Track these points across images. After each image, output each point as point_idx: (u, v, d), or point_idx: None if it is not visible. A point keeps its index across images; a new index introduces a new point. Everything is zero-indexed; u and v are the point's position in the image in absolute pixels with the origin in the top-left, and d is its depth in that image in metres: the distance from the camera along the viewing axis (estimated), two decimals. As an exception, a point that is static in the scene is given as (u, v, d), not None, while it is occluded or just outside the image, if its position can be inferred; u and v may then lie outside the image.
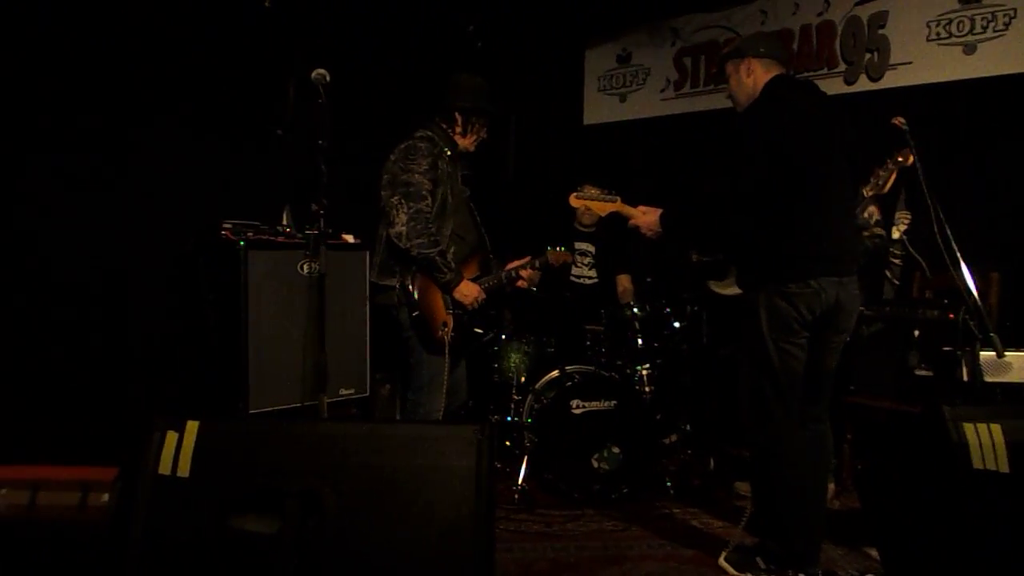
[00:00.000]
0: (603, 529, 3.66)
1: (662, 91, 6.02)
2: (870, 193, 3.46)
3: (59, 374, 3.87)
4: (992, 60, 4.48)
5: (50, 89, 3.92)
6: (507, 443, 4.41)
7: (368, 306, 4.39)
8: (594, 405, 4.07)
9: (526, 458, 4.04)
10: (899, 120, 3.23)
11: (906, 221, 3.94)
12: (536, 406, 4.18)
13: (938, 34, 4.68)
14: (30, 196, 3.85)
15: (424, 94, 3.70)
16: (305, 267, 4.22)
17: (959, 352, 3.53)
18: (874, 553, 3.18)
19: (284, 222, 4.47)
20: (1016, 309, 4.06)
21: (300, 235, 4.33)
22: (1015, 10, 4.40)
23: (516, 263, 3.85)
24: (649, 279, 5.00)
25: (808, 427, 3.03)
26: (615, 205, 3.38)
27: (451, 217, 3.57)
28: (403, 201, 3.39)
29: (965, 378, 3.46)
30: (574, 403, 4.06)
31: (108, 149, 4.11)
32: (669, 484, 4.13)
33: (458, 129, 3.64)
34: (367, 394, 4.58)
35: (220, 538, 1.92)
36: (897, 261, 4.17)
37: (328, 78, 3.12)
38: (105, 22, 4.09)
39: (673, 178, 5.69)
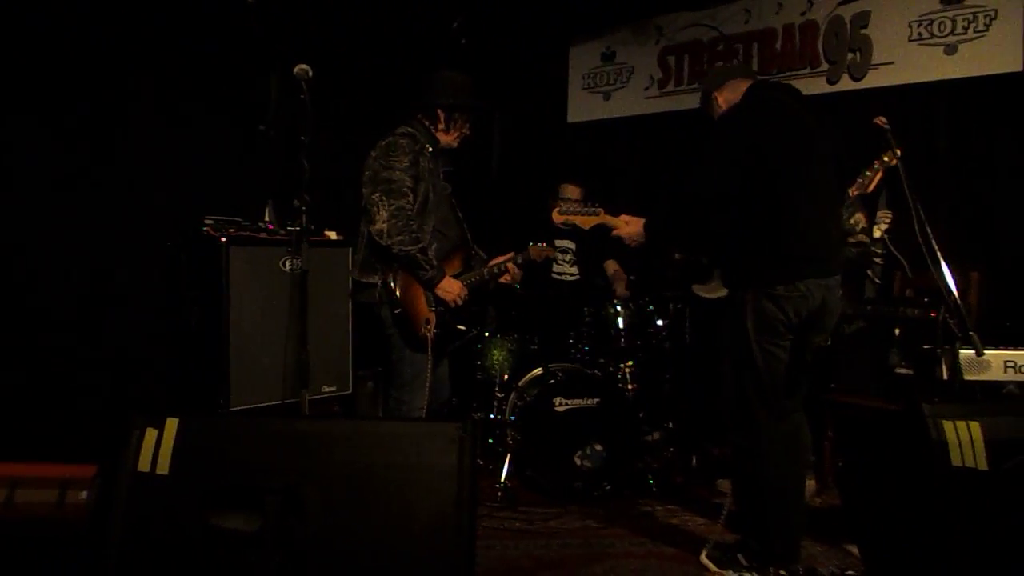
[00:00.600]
0: (586, 526, 3.66)
1: (646, 89, 6.02)
2: (855, 193, 3.48)
3: (38, 370, 3.83)
4: (973, 61, 4.51)
5: (29, 84, 3.88)
6: (490, 441, 4.41)
7: (351, 303, 4.38)
8: (577, 403, 4.07)
9: (509, 456, 4.04)
10: (881, 120, 3.24)
11: (887, 220, 3.96)
12: (519, 404, 4.18)
13: (920, 34, 4.71)
14: (8, 192, 3.81)
15: (408, 91, 3.68)
16: (287, 263, 4.20)
17: (939, 350, 3.55)
18: (854, 550, 3.20)
19: (266, 218, 4.45)
20: (995, 308, 4.09)
21: (282, 231, 4.32)
22: (996, 11, 4.43)
23: (499, 259, 3.83)
24: (632, 277, 5.02)
25: (786, 418, 3.04)
26: (598, 218, 3.41)
27: (433, 214, 3.54)
28: (384, 198, 3.36)
29: (945, 376, 3.48)
30: (557, 401, 4.06)
31: (89, 145, 4.07)
32: (652, 482, 4.14)
33: (440, 126, 3.61)
34: (349, 391, 4.57)
35: (200, 536, 1.91)
36: (878, 260, 4.19)
37: (311, 74, 3.11)
38: (88, 18, 4.05)
39: (657, 176, 5.71)
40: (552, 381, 4.11)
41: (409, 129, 3.54)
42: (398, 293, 3.46)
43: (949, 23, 4.59)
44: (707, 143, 3.05)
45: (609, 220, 3.39)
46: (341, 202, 3.97)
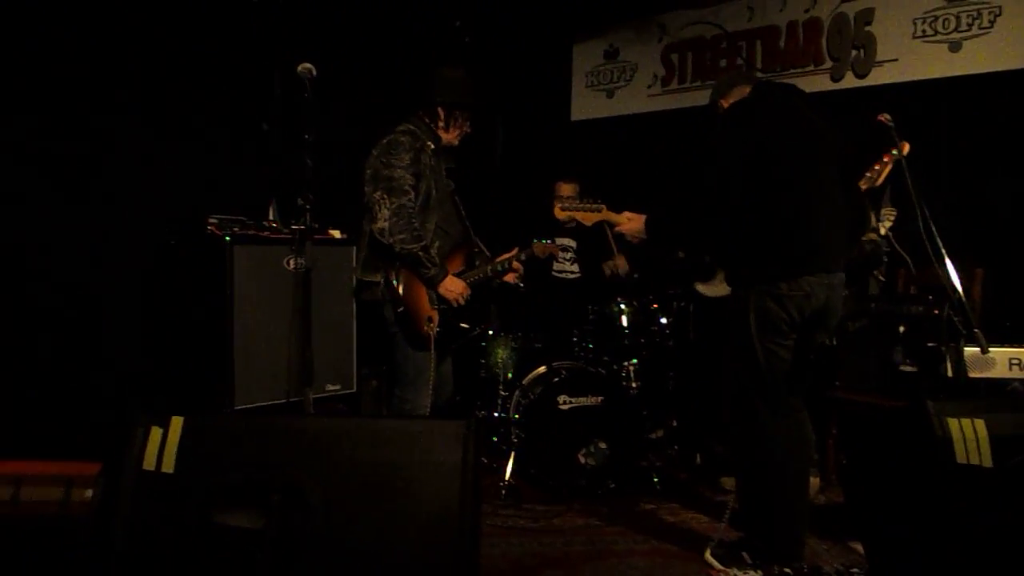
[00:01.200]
0: (589, 524, 3.66)
1: (649, 87, 6.02)
2: (865, 187, 3.48)
3: (42, 369, 3.84)
4: (977, 57, 4.51)
5: (32, 82, 3.89)
6: (494, 439, 4.41)
7: (355, 302, 4.38)
8: (581, 401, 4.07)
9: (513, 453, 4.04)
10: (885, 117, 3.25)
11: (891, 217, 3.95)
12: (523, 402, 4.18)
13: (924, 31, 4.70)
14: (12, 191, 3.82)
15: (410, 89, 3.68)
16: (291, 262, 4.21)
17: (943, 348, 3.55)
18: (859, 547, 3.20)
19: (270, 217, 4.46)
20: (1000, 305, 4.09)
21: (286, 230, 4.32)
22: (1000, 7, 4.42)
23: (503, 257, 3.82)
24: (636, 275, 5.01)
25: (789, 416, 3.04)
26: (600, 214, 3.41)
27: (435, 211, 3.53)
28: (385, 196, 3.35)
29: (949, 373, 3.48)
30: (561, 399, 4.06)
31: (92, 144, 4.08)
32: (655, 480, 4.14)
33: (440, 123, 3.61)
34: (353, 390, 4.58)
35: (204, 534, 1.91)
36: (884, 258, 4.19)
37: (314, 72, 3.11)
38: (92, 16, 4.06)
39: (660, 174, 5.71)
40: (556, 379, 4.11)
41: (410, 127, 3.53)
42: (400, 291, 3.46)
43: (953, 20, 4.59)
44: (710, 141, 3.05)
45: (611, 216, 3.39)
46: (345, 200, 3.97)
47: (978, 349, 3.13)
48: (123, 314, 4.18)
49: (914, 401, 2.49)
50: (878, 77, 4.89)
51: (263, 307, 4.10)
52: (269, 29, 4.73)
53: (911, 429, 2.47)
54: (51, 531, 2.21)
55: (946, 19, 4.62)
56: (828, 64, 5.10)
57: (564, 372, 4.17)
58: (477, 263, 3.76)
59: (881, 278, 4.26)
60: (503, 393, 4.41)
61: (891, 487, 2.67)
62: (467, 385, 4.63)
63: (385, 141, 3.46)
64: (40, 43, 3.90)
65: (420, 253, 3.39)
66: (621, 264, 4.98)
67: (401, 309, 3.47)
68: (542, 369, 4.27)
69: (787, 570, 2.97)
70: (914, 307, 3.83)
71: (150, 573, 1.92)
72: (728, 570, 3.08)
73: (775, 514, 3.01)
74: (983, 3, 4.48)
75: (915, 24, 4.73)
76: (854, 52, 4.98)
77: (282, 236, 4.28)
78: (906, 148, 3.29)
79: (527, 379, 4.29)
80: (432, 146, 3.55)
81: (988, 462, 2.30)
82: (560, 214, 3.54)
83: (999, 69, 4.42)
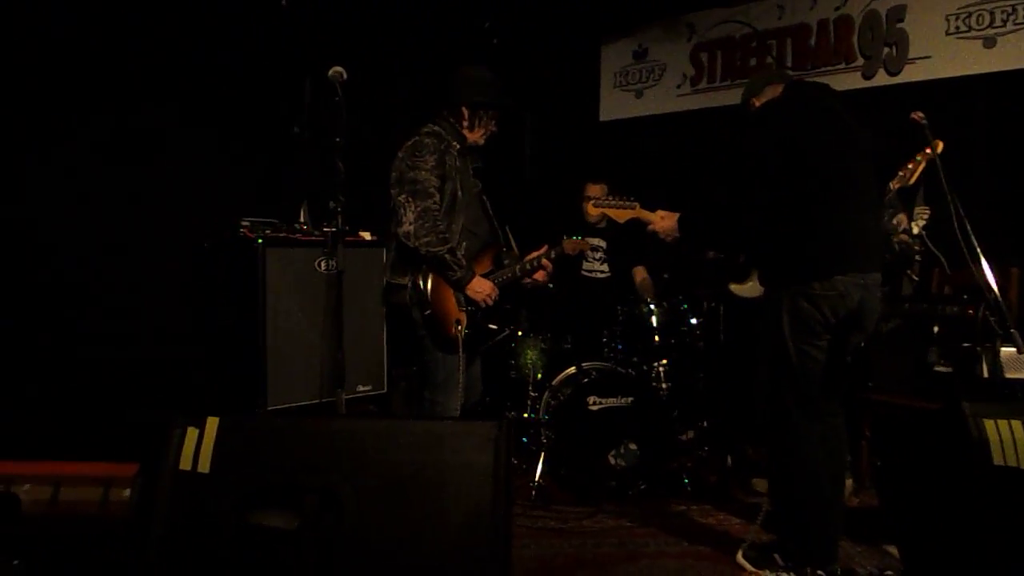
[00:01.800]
0: (620, 526, 3.66)
1: (678, 87, 6.00)
2: (896, 186, 3.44)
3: (80, 371, 3.91)
4: (1012, 53, 4.44)
5: (70, 87, 3.96)
6: (524, 440, 4.42)
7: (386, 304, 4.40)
8: (611, 402, 4.07)
9: (543, 455, 4.04)
10: (918, 115, 3.21)
11: (925, 216, 3.91)
12: (553, 403, 4.18)
13: (957, 28, 4.64)
14: (52, 196, 3.89)
15: (440, 91, 3.68)
16: (323, 264, 4.25)
17: (979, 348, 3.50)
18: (893, 550, 3.17)
19: (302, 219, 4.50)
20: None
21: (318, 232, 4.36)
22: (1035, 3, 4.36)
23: (532, 255, 3.78)
24: (666, 275, 5.00)
25: (824, 421, 3.02)
26: (633, 212, 3.40)
27: (462, 212, 3.51)
28: (410, 200, 3.33)
29: (985, 374, 3.43)
30: (591, 399, 4.05)
31: (127, 148, 4.14)
32: (686, 481, 4.12)
33: (465, 123, 3.58)
34: (384, 391, 4.61)
35: (240, 534, 1.94)
36: (916, 257, 4.14)
37: (345, 76, 3.14)
38: (128, 23, 4.12)
39: (690, 174, 5.68)
40: (585, 380, 4.11)
41: (435, 128, 3.51)
42: (428, 294, 3.44)
43: (987, 16, 4.53)
44: (743, 140, 3.04)
45: (644, 215, 3.39)
46: (376, 202, 4.00)
47: (1014, 349, 3.09)
48: (158, 316, 4.24)
49: (949, 402, 2.46)
50: (911, 74, 4.84)
51: (295, 309, 4.14)
52: (300, 34, 4.77)
53: (946, 431, 2.45)
54: (90, 531, 2.25)
55: (980, 15, 4.56)
56: (860, 62, 5.05)
57: (594, 373, 4.17)
58: (506, 263, 3.74)
59: (915, 278, 4.21)
60: (533, 394, 4.41)
61: (926, 489, 2.64)
62: (497, 386, 4.64)
63: (410, 143, 3.44)
64: (80, 52, 3.96)
65: (446, 256, 3.37)
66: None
67: (429, 312, 3.45)
68: (571, 370, 4.27)
69: (820, 573, 2.94)
70: (949, 307, 3.79)
71: (186, 572, 1.95)
72: (760, 572, 3.06)
73: (808, 517, 2.98)
74: (1018, -1, 4.42)
75: (948, 20, 4.67)
76: (886, 49, 4.93)
77: (314, 238, 4.31)
78: (940, 147, 3.25)
79: (556, 380, 4.29)
80: (458, 146, 3.52)
81: (1026, 464, 2.27)
82: (593, 211, 3.55)
83: (1035, 65, 4.36)
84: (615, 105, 6.39)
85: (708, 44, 5.83)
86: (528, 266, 3.73)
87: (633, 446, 4.02)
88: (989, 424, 2.30)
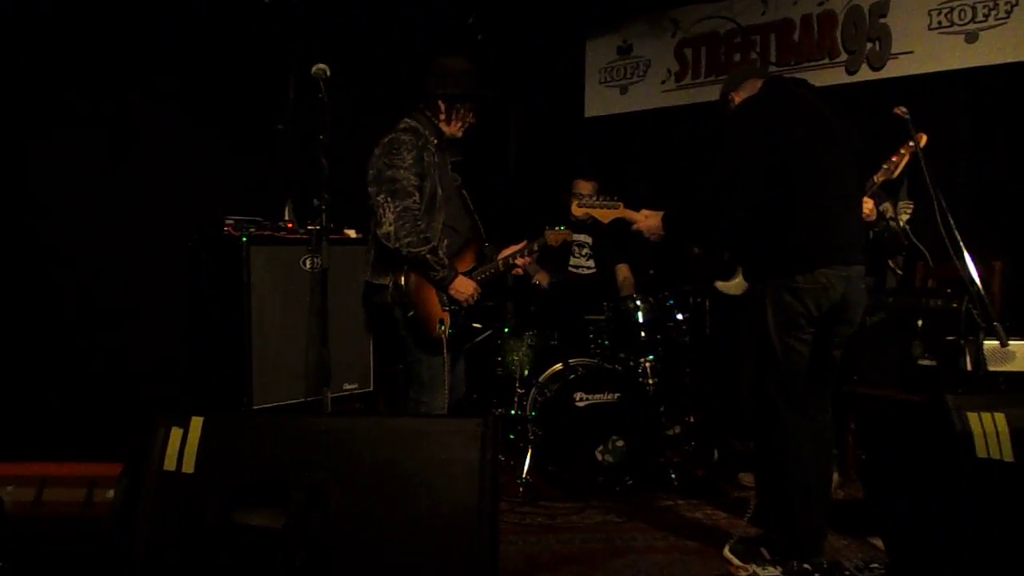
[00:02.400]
0: (607, 521, 3.66)
1: (663, 82, 6.01)
2: (881, 179, 3.46)
3: (63, 371, 3.88)
4: (994, 49, 4.47)
5: (49, 84, 3.92)
6: (511, 436, 4.42)
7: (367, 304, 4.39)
8: (597, 398, 4.07)
9: (530, 451, 4.04)
10: (901, 110, 3.22)
11: (909, 210, 3.93)
12: (539, 399, 4.18)
13: (940, 23, 4.67)
14: (32, 194, 3.87)
15: (416, 83, 3.61)
16: (307, 262, 4.23)
17: (962, 341, 3.53)
18: (878, 543, 3.18)
19: (286, 217, 4.48)
20: (1019, 298, 4.05)
21: (302, 230, 4.34)
22: (1016, -2, 4.39)
23: (512, 248, 3.71)
24: (651, 271, 5.01)
25: (811, 418, 3.03)
26: (618, 211, 3.41)
27: (442, 209, 3.42)
28: (389, 199, 3.25)
29: (968, 367, 3.46)
30: (577, 396, 4.06)
31: (109, 146, 4.12)
32: (673, 476, 4.13)
33: (442, 116, 3.47)
34: (371, 389, 4.60)
35: (225, 533, 1.93)
36: (905, 241, 4.16)
37: (328, 73, 3.12)
38: (109, 18, 4.09)
39: (675, 169, 5.70)
40: (572, 376, 4.11)
41: (412, 123, 3.41)
42: (411, 295, 3.36)
43: (969, 11, 4.55)
44: (725, 136, 3.05)
45: (628, 214, 3.39)
46: (360, 200, 3.98)
47: (997, 342, 3.11)
48: (142, 316, 4.21)
49: (933, 395, 2.48)
50: (894, 69, 4.86)
51: (280, 307, 4.13)
52: (283, 30, 4.75)
53: (930, 424, 2.46)
54: (73, 531, 2.23)
55: (962, 10, 4.58)
56: (843, 57, 5.07)
57: (580, 369, 4.17)
58: (487, 257, 3.65)
59: (899, 272, 4.24)
60: (519, 391, 4.41)
61: (911, 482, 2.66)
62: (483, 383, 4.64)
63: (387, 140, 3.35)
64: (59, 49, 3.93)
65: (428, 256, 3.29)
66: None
67: (412, 313, 3.37)
68: (558, 366, 4.27)
69: (806, 566, 2.96)
70: (932, 301, 3.81)
71: (171, 573, 1.94)
72: (747, 566, 3.07)
73: (795, 510, 2.99)
74: (1000, -6, 4.45)
75: (931, 15, 4.70)
76: (869, 45, 4.95)
77: (298, 236, 4.30)
78: (923, 139, 3.27)
79: (543, 376, 4.29)
80: (435, 141, 3.42)
81: (1009, 456, 2.28)
82: (577, 211, 3.54)
83: (1017, 60, 4.38)
84: (600, 101, 6.40)
85: (692, 40, 5.84)
86: (511, 260, 3.67)
87: (620, 442, 4.03)
88: (972, 417, 2.32)
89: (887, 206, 3.60)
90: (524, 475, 3.98)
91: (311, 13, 4.93)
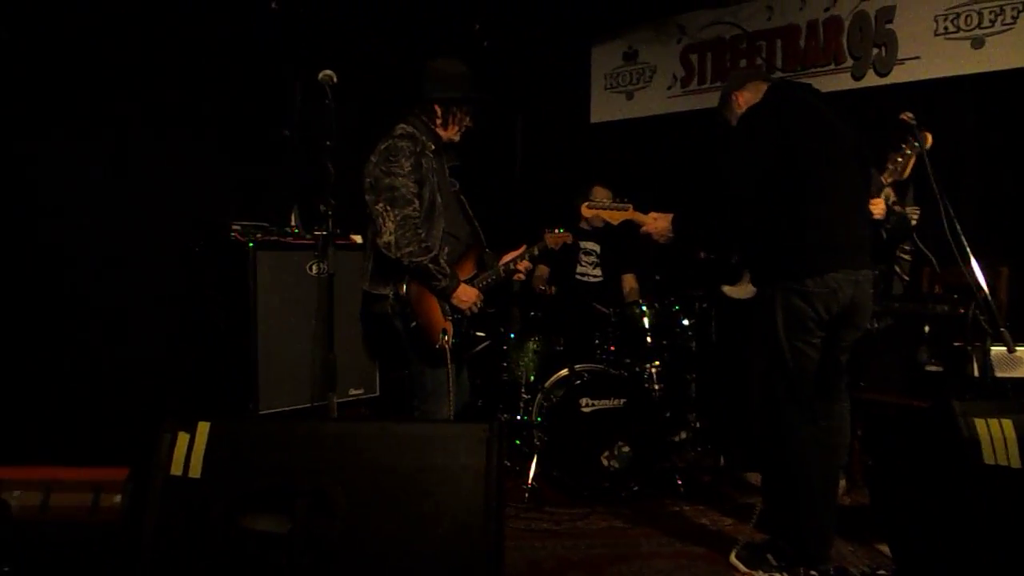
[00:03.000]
0: (612, 527, 3.66)
1: (669, 88, 6.01)
2: (889, 180, 3.45)
3: (70, 376, 3.89)
4: (1000, 54, 4.46)
5: (57, 93, 3.94)
6: (516, 442, 4.41)
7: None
8: (603, 403, 4.07)
9: (535, 457, 4.04)
10: (907, 115, 3.22)
11: (915, 216, 3.92)
12: (545, 405, 4.18)
13: (946, 28, 4.66)
14: (40, 200, 3.87)
15: (411, 87, 3.57)
16: (314, 267, 4.24)
17: (969, 347, 3.52)
18: (885, 549, 3.17)
19: (292, 223, 4.49)
20: (1026, 304, 4.04)
21: (308, 235, 4.35)
22: (1023, 3, 4.38)
23: (512, 254, 3.64)
24: (658, 277, 5.01)
25: (819, 423, 3.02)
26: (627, 213, 3.40)
27: (441, 217, 3.33)
28: (388, 208, 3.15)
29: (976, 373, 3.45)
30: (583, 401, 4.06)
31: (117, 151, 4.12)
32: (679, 482, 4.12)
33: (438, 120, 3.39)
34: (377, 394, 4.60)
35: (231, 538, 1.93)
36: (906, 256, 4.16)
37: (335, 79, 3.12)
38: (117, 23, 4.11)
39: (681, 175, 5.68)
40: (578, 382, 4.11)
41: (408, 128, 3.30)
42: (412, 305, 3.27)
43: (976, 16, 4.55)
44: (731, 141, 3.05)
45: (637, 216, 3.39)
46: (366, 205, 3.99)
47: (1005, 348, 3.10)
48: (149, 321, 4.22)
49: (940, 401, 2.48)
50: (900, 75, 4.86)
51: (286, 312, 4.13)
52: (290, 36, 4.76)
53: (937, 430, 2.46)
54: (80, 536, 2.24)
55: (968, 15, 4.58)
56: (849, 63, 5.07)
57: (586, 375, 4.17)
58: (488, 264, 3.58)
59: (905, 277, 4.23)
60: (525, 396, 4.41)
61: (917, 488, 2.65)
62: (489, 389, 4.63)
63: (383, 147, 3.25)
64: (66, 52, 3.95)
65: (430, 265, 3.19)
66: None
67: (414, 324, 3.28)
68: (564, 372, 4.27)
69: (813, 572, 2.95)
70: (939, 306, 3.80)
71: (178, 577, 1.94)
72: (753, 572, 3.07)
73: (802, 516, 2.99)
74: (1006, -1, 4.45)
75: (937, 21, 4.69)
76: (875, 50, 4.95)
77: (305, 242, 4.30)
78: (929, 140, 3.27)
79: (549, 382, 4.29)
80: (433, 147, 3.33)
81: (1016, 463, 2.28)
82: (587, 211, 3.50)
83: (1023, 65, 4.37)
84: (606, 107, 6.40)
85: (698, 45, 5.84)
86: (511, 266, 3.59)
87: (626, 447, 4.02)
88: (979, 423, 2.32)
89: (888, 192, 3.57)
90: (530, 481, 3.98)
91: (317, 20, 4.95)
